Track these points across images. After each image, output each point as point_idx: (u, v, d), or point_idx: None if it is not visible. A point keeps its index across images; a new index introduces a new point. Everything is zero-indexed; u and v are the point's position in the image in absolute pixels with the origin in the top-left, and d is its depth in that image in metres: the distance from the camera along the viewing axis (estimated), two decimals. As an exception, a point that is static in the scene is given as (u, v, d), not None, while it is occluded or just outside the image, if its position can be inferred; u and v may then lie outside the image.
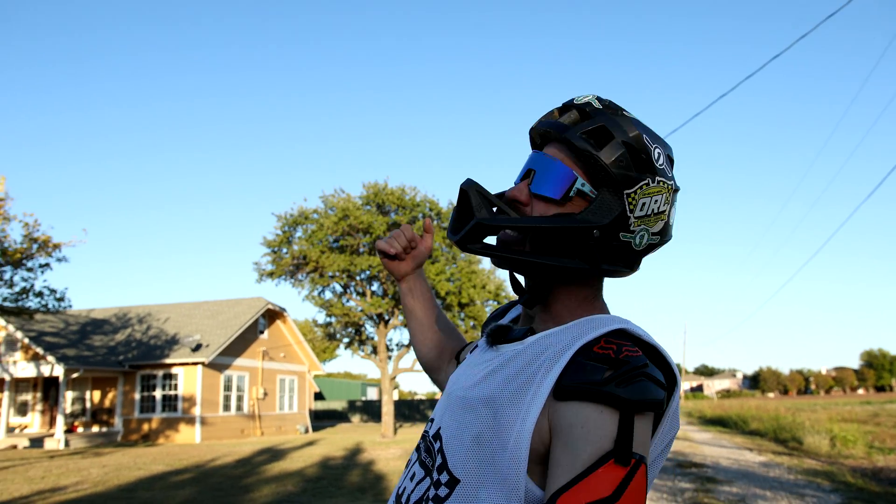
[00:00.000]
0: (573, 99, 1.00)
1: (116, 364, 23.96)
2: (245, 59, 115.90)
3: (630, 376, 0.80)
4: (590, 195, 0.93)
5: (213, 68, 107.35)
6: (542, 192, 0.95)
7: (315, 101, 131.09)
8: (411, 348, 25.04)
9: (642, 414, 0.81)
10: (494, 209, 0.98)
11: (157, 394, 24.37)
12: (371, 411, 44.71)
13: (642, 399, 0.79)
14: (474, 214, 0.95)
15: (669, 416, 0.88)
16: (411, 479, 1.00)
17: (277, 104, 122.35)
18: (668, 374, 0.88)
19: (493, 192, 1.02)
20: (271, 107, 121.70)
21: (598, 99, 0.99)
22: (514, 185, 1.01)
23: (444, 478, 0.90)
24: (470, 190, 0.97)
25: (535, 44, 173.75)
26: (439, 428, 0.99)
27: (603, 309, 0.99)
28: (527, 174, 0.99)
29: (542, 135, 1.01)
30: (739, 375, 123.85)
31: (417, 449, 1.05)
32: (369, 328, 25.48)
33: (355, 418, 44.98)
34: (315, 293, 24.29)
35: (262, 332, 28.65)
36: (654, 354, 0.88)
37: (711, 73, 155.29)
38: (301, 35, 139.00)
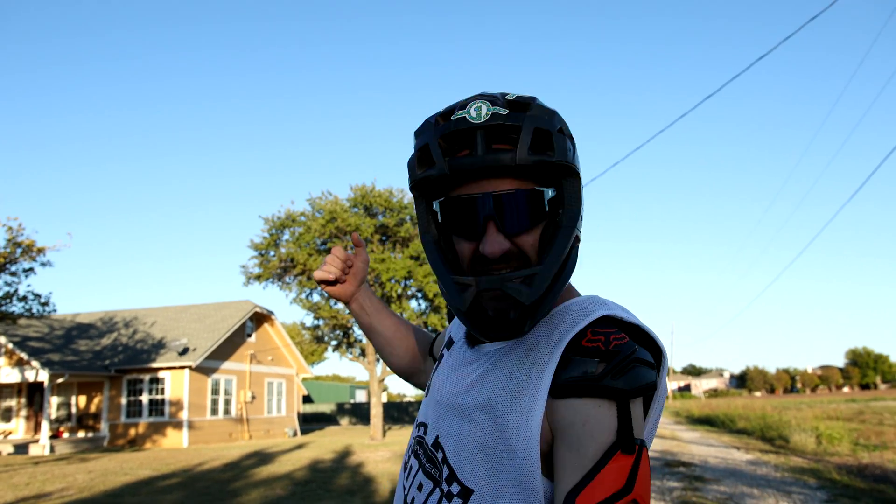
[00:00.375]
0: (464, 115, 0.86)
1: (102, 369, 23.71)
2: (227, 63, 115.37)
3: (623, 366, 0.80)
4: (553, 195, 0.90)
5: (195, 72, 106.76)
6: (524, 230, 0.88)
7: (302, 103, 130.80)
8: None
9: (635, 398, 0.82)
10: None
11: (144, 398, 24.15)
12: (360, 414, 44.57)
13: (638, 386, 0.80)
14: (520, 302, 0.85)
15: (661, 386, 0.88)
16: (419, 489, 0.97)
17: (264, 106, 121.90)
18: (652, 348, 0.88)
19: (439, 258, 0.93)
20: (258, 109, 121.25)
21: (492, 101, 0.87)
22: (478, 241, 0.89)
23: (455, 488, 0.89)
24: (505, 286, 0.85)
25: (519, 46, 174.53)
26: (437, 436, 0.96)
27: (572, 290, 1.00)
28: (484, 223, 0.87)
29: (472, 173, 0.86)
30: (727, 375, 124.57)
31: (416, 455, 1.02)
32: (357, 330, 25.40)
33: (344, 421, 44.82)
34: (303, 296, 24.23)
35: (249, 336, 28.49)
36: (637, 332, 0.88)
37: (697, 74, 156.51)
38: (284, 38, 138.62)
